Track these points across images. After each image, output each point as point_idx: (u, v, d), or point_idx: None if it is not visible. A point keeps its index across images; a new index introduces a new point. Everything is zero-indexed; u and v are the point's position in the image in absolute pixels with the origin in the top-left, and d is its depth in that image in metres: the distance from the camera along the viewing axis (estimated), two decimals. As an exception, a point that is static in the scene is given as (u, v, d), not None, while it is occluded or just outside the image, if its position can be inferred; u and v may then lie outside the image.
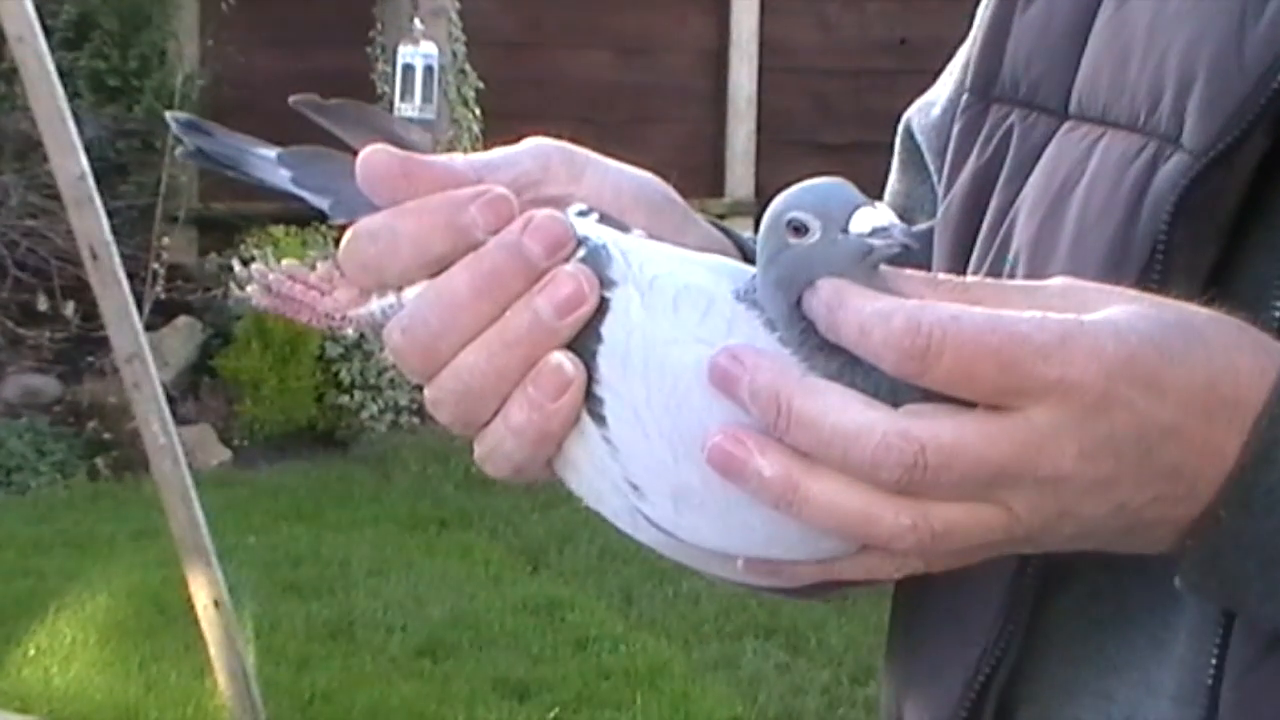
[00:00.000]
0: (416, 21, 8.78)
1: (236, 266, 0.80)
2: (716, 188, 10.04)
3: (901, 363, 0.65)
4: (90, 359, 8.37)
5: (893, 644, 0.90)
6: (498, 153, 0.79)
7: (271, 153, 0.79)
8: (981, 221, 0.90)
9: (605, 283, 0.71)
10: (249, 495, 7.53)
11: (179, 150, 0.78)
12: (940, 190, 0.97)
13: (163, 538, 4.64)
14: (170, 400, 4.42)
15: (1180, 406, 0.66)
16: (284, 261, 0.77)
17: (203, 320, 8.63)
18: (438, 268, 0.72)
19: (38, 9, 4.14)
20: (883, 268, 0.70)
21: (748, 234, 0.91)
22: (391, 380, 8.56)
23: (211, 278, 8.75)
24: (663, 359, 0.70)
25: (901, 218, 1.03)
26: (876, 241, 0.69)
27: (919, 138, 1.02)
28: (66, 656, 5.57)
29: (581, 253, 0.72)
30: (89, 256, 4.15)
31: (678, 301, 0.71)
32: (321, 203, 0.77)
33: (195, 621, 4.25)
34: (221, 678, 4.24)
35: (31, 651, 5.61)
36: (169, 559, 4.60)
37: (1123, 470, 0.66)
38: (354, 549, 6.78)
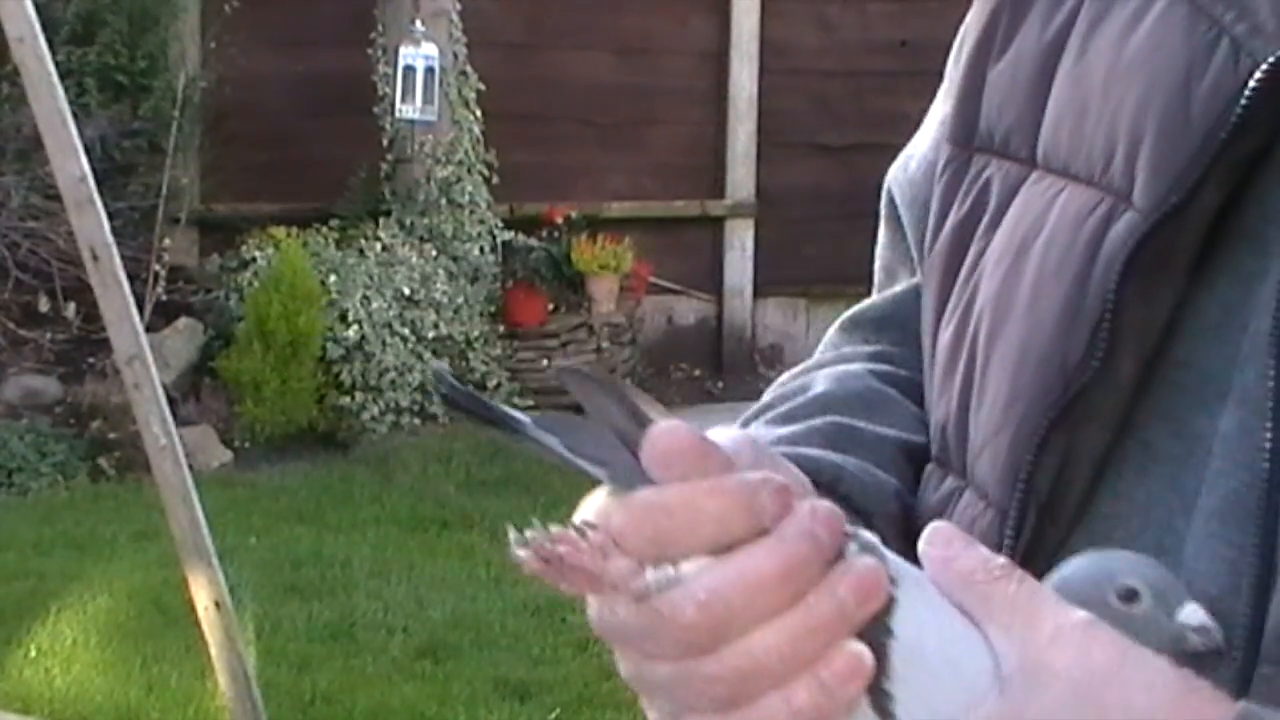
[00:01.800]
0: (418, 23, 8.78)
1: (512, 534, 0.79)
2: (717, 189, 10.05)
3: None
4: (91, 360, 8.37)
5: None
6: (720, 438, 0.80)
7: (524, 417, 0.79)
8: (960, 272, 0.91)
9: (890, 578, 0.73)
10: (250, 496, 7.53)
11: (440, 407, 0.80)
12: (915, 243, 0.98)
13: (164, 539, 4.64)
14: (171, 401, 4.42)
15: None
16: (553, 529, 0.76)
17: (204, 321, 8.63)
18: (721, 548, 0.72)
19: (42, 7, 4.14)
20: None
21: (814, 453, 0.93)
22: (392, 382, 8.56)
23: (213, 279, 8.76)
24: (958, 659, 0.71)
25: (886, 276, 1.04)
26: (1196, 638, 0.71)
27: (895, 193, 1.02)
28: (67, 658, 5.57)
29: (854, 545, 0.73)
30: (90, 258, 4.15)
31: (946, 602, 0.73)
32: (598, 472, 0.76)
33: (196, 623, 4.25)
34: (222, 679, 4.24)
35: (32, 652, 5.61)
36: (170, 560, 4.60)
37: None
38: (355, 550, 6.78)
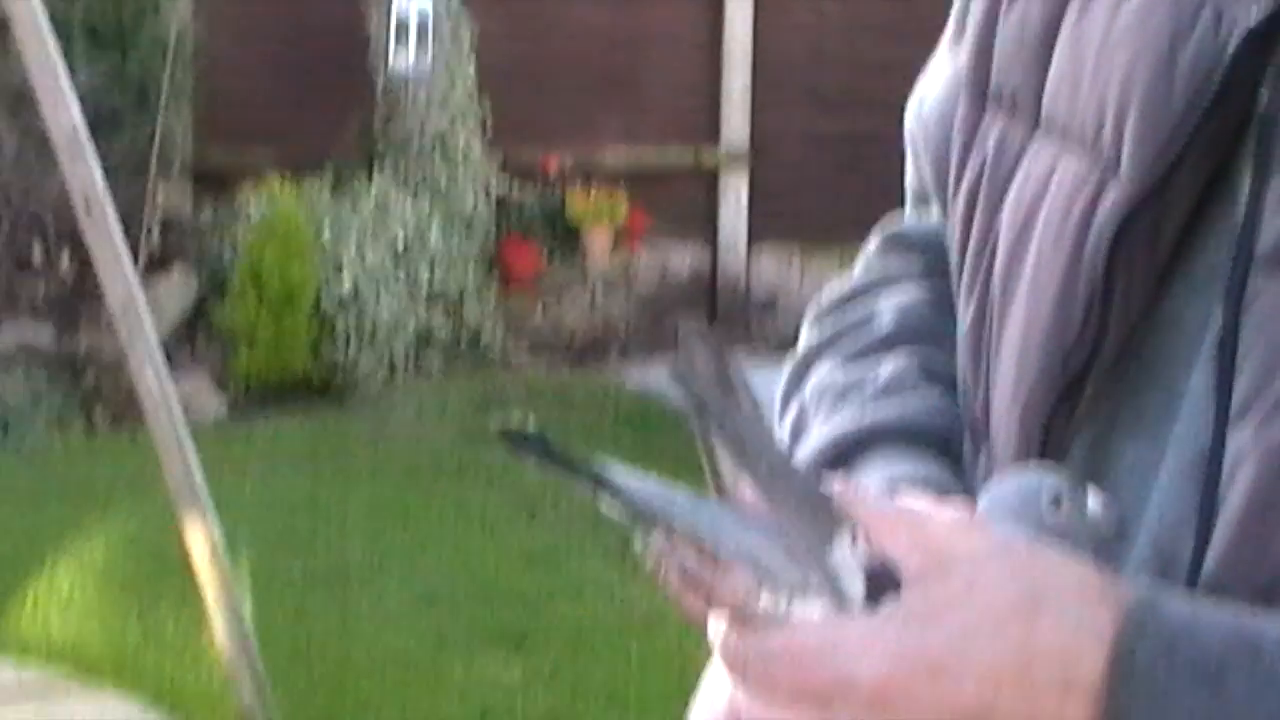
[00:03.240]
0: None
1: (639, 547, 0.77)
2: (712, 135, 10.02)
3: (731, 676, 0.74)
4: (86, 310, 8.36)
5: None
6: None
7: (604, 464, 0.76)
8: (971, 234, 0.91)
9: None
10: (245, 446, 7.54)
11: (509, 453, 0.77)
12: (937, 186, 0.97)
13: (159, 487, 4.65)
14: (165, 351, 4.41)
15: (985, 690, 0.67)
16: (680, 542, 0.75)
17: (198, 272, 8.62)
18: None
19: None
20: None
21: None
22: (387, 333, 8.56)
23: (206, 229, 8.74)
24: None
25: (919, 200, 1.04)
26: (1108, 524, 0.76)
27: (914, 132, 1.03)
28: (64, 606, 5.59)
29: None
30: (83, 208, 4.14)
31: None
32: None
33: (192, 571, 4.27)
34: (218, 626, 4.26)
35: (30, 601, 5.63)
36: (165, 508, 4.62)
37: None
38: (350, 500, 6.79)
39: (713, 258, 10.19)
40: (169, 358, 4.40)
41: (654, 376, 8.98)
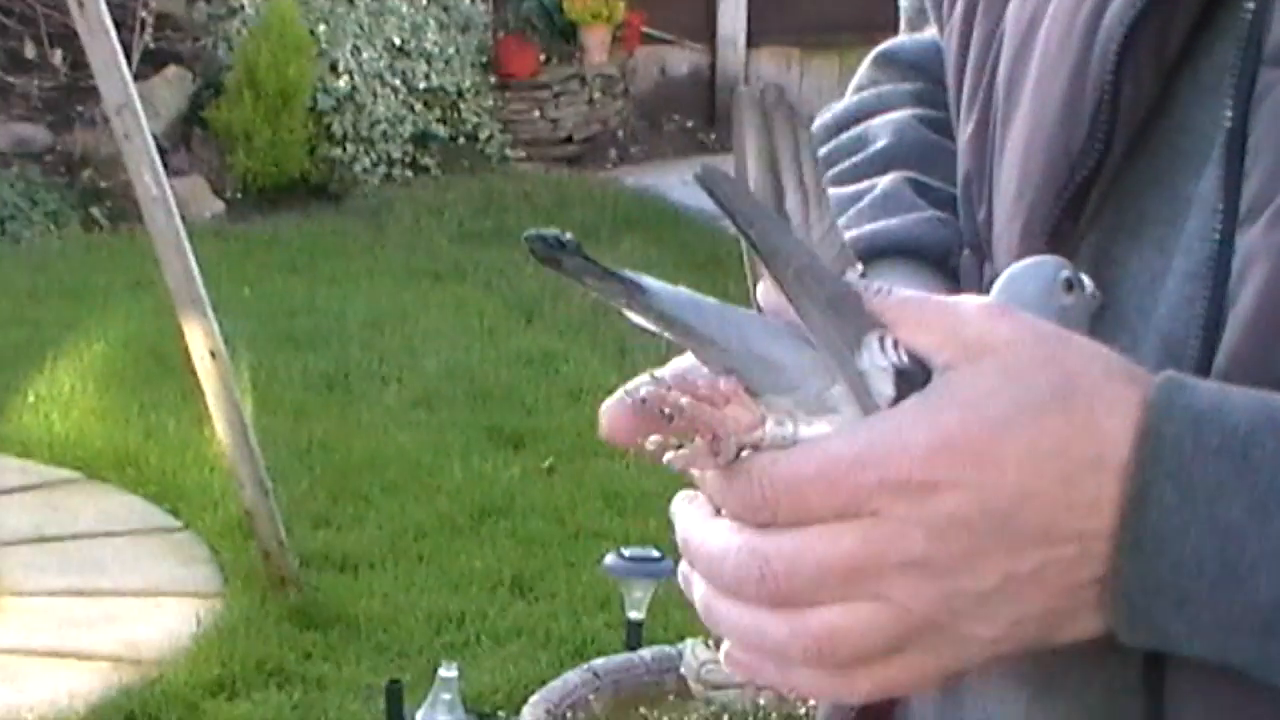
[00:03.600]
0: None
1: (623, 391, 0.76)
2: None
3: (756, 516, 0.69)
4: (80, 108, 8.30)
5: None
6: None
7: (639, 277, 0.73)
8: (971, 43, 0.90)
9: None
10: (243, 247, 7.54)
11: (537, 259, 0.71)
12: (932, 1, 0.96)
13: (158, 288, 4.66)
14: (161, 151, 4.40)
15: (1026, 473, 0.66)
16: (668, 371, 0.74)
17: (193, 70, 8.54)
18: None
19: None
20: (864, 285, 0.73)
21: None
22: (384, 133, 8.51)
23: (201, 27, 8.64)
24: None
25: (916, 14, 1.02)
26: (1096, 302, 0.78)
27: None
28: (66, 404, 5.63)
29: None
30: (76, 3, 4.09)
31: None
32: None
33: (192, 371, 4.29)
34: (219, 426, 4.30)
35: (31, 398, 5.68)
36: (165, 309, 4.63)
37: (983, 542, 0.67)
38: (349, 301, 6.81)
39: (711, 58, 10.10)
40: (165, 158, 4.38)
41: (651, 176, 8.95)
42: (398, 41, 8.64)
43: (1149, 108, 0.78)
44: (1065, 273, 0.76)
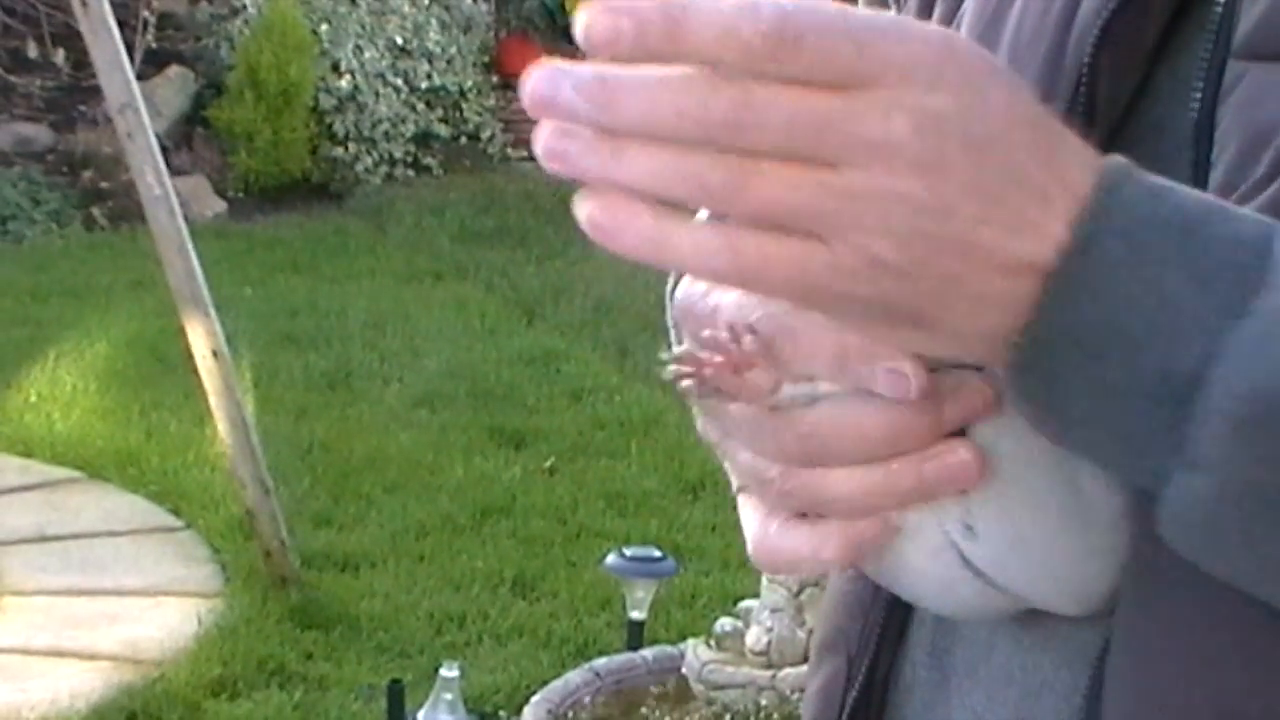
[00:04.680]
0: None
1: (662, 356, 0.76)
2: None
3: (772, 51, 0.64)
4: (83, 108, 8.30)
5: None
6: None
7: None
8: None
9: None
10: (245, 247, 7.55)
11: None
12: None
13: (160, 288, 4.66)
14: (164, 151, 4.39)
15: (1003, 119, 0.65)
16: (702, 339, 0.73)
17: (195, 70, 8.54)
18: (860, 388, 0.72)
19: None
20: None
21: None
22: (386, 133, 8.51)
23: (203, 27, 8.64)
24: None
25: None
26: None
27: None
28: (67, 403, 5.64)
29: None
30: (79, 3, 4.09)
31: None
32: None
33: (194, 370, 4.29)
34: (221, 426, 4.30)
35: (33, 398, 5.68)
36: (167, 309, 4.63)
37: (950, 158, 0.64)
38: (350, 301, 6.82)
39: (714, 59, 10.12)
40: (167, 157, 4.38)
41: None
42: (400, 41, 8.64)
43: (1126, 103, 0.77)
44: None
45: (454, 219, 8.03)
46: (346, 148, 8.37)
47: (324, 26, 8.35)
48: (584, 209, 0.68)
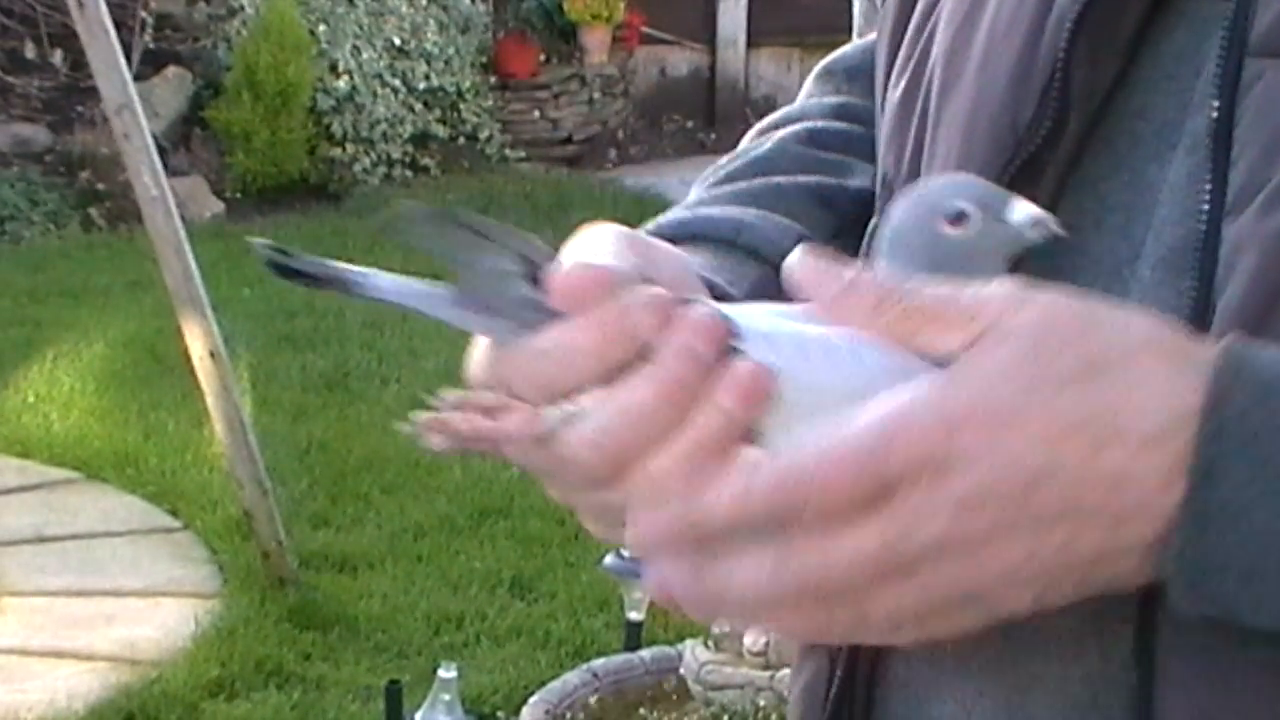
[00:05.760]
0: None
1: (407, 429, 0.78)
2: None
3: (786, 517, 0.67)
4: (80, 109, 8.30)
5: None
6: (600, 245, 0.80)
7: (369, 272, 0.79)
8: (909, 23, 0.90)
9: (734, 340, 0.73)
10: (242, 247, 7.51)
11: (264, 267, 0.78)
12: None
13: (157, 288, 4.66)
14: (161, 151, 4.40)
15: (1046, 448, 0.65)
16: (448, 397, 0.77)
17: (192, 71, 8.54)
18: (612, 375, 0.72)
19: None
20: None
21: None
22: (384, 134, 8.51)
23: (200, 27, 8.64)
24: (814, 402, 0.71)
25: (865, 22, 1.02)
26: (1033, 233, 0.73)
27: None
28: (65, 404, 5.63)
29: (739, 341, 0.73)
30: (75, 4, 4.09)
31: (801, 349, 0.72)
32: (435, 303, 0.79)
33: (192, 371, 4.29)
34: (219, 426, 4.30)
35: (31, 398, 5.68)
36: (164, 310, 4.63)
37: (1005, 519, 0.66)
38: (348, 302, 6.74)
39: (711, 58, 10.11)
40: (165, 158, 4.38)
41: (651, 176, 8.95)
42: (397, 42, 8.64)
43: (1106, 91, 0.77)
44: (957, 203, 0.73)
45: (452, 219, 8.00)
46: (344, 148, 8.37)
47: (321, 27, 8.35)
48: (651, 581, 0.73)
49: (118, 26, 4.24)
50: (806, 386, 0.71)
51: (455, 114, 8.94)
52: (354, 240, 7.70)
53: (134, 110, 4.13)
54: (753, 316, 0.74)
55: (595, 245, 0.80)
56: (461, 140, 8.94)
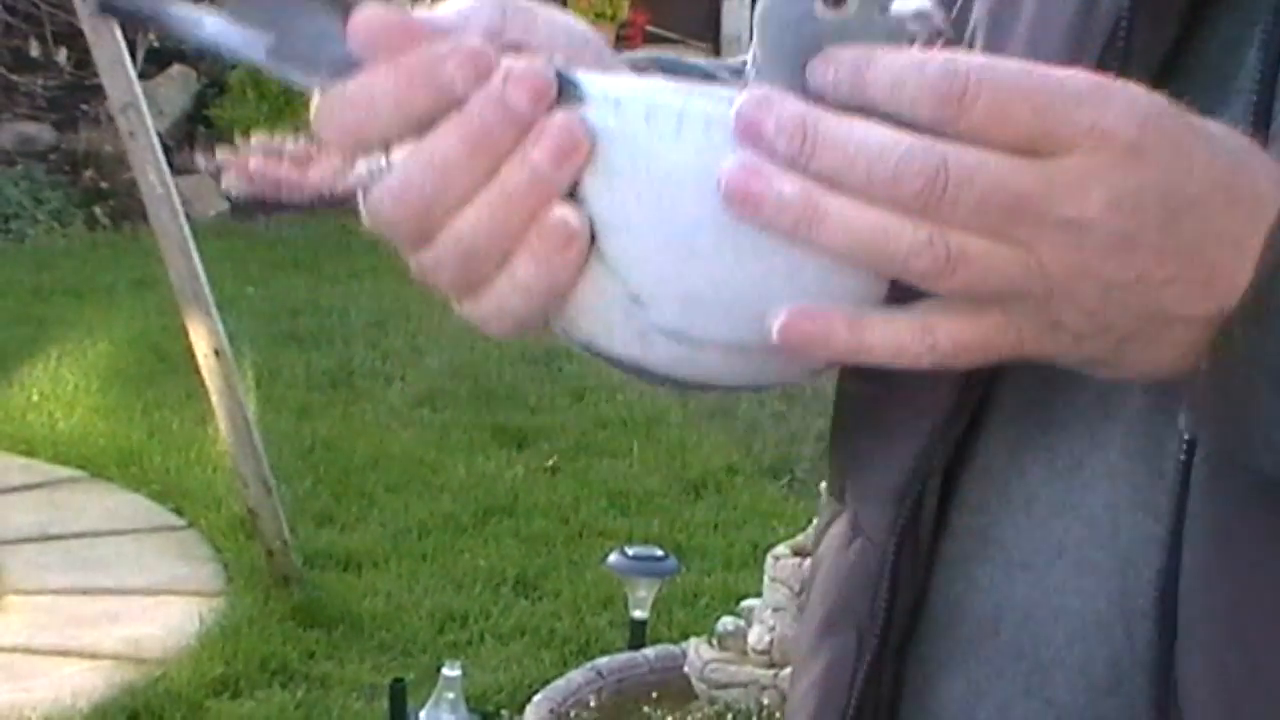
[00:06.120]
0: None
1: (202, 162, 0.75)
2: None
3: (938, 108, 0.64)
4: (85, 107, 8.30)
5: (841, 417, 0.89)
6: (460, 5, 0.75)
7: (209, 15, 0.74)
8: None
9: (576, 102, 0.69)
10: (247, 246, 7.55)
11: (87, 7, 0.80)
12: None
13: (162, 287, 4.66)
14: (166, 150, 4.39)
15: (1203, 180, 0.65)
16: (253, 141, 0.74)
17: (197, 69, 8.54)
18: (422, 127, 0.70)
19: None
20: None
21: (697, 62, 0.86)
22: (388, 131, 8.48)
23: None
24: (648, 168, 0.68)
25: None
26: (915, 25, 0.68)
27: None
28: (69, 402, 5.64)
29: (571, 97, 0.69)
30: (81, 1, 4.09)
31: (650, 116, 0.69)
32: (306, 79, 0.73)
33: (196, 369, 4.29)
34: (223, 425, 4.30)
35: (35, 397, 5.68)
36: (168, 308, 4.63)
37: (1145, 230, 0.64)
38: (352, 300, 6.81)
39: (716, 57, 10.13)
40: (169, 156, 4.38)
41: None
42: None
43: (1164, 55, 0.76)
44: None
45: (456, 218, 7.99)
46: None
47: None
48: (776, 323, 0.67)
49: (122, 24, 4.24)
50: (635, 148, 0.68)
51: (460, 112, 8.94)
52: (358, 238, 7.65)
53: (139, 108, 4.13)
54: (620, 82, 0.71)
55: (461, 2, 0.75)
56: None
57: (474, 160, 0.69)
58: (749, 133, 0.66)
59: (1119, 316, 0.66)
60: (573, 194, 0.69)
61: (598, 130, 0.69)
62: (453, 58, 0.69)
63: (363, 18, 0.70)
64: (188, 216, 4.34)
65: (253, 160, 0.73)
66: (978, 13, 0.84)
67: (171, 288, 4.26)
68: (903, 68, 0.64)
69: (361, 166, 0.71)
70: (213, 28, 0.73)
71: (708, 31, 10.06)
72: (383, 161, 0.71)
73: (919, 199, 0.64)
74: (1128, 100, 0.65)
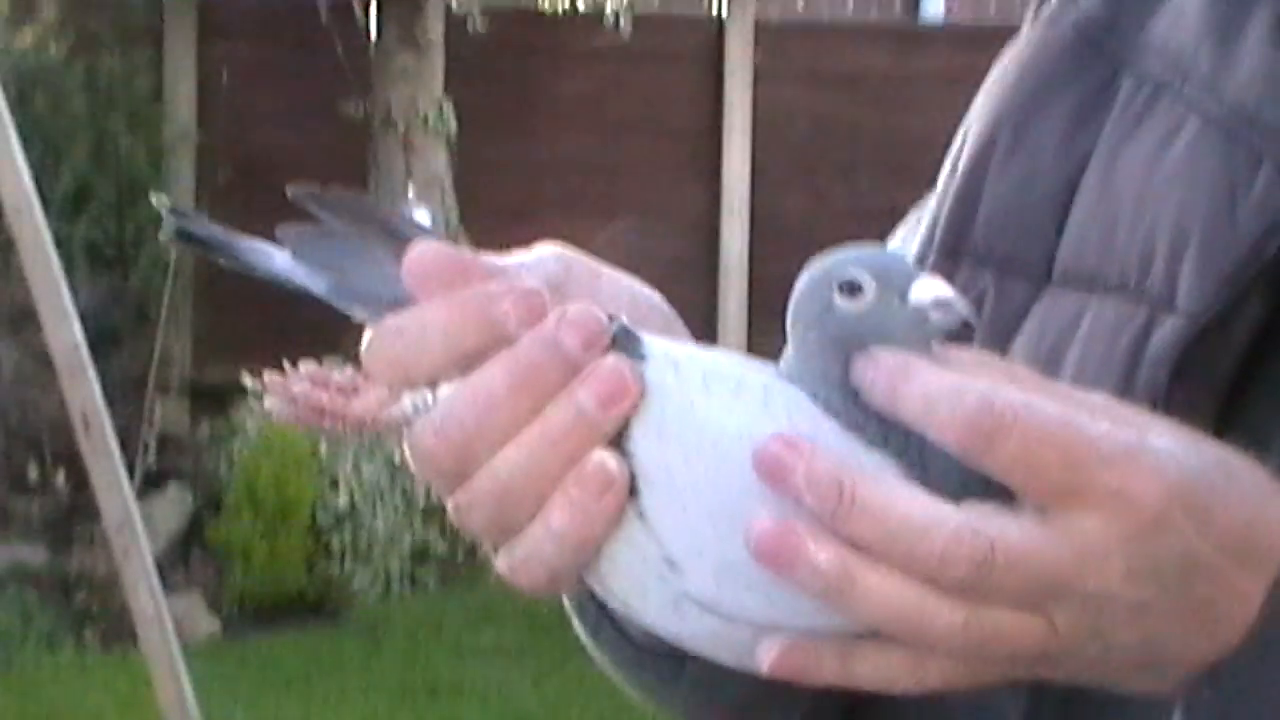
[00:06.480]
0: (410, 190, 8.45)
1: (249, 382, 0.77)
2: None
3: (968, 438, 0.63)
4: (79, 528, 7.82)
5: None
6: (524, 255, 0.76)
7: (277, 250, 0.74)
8: None
9: (638, 360, 0.69)
10: (238, 665, 7.32)
11: (162, 234, 0.77)
12: None
13: (150, 710, 4.44)
14: (160, 570, 4.35)
15: (1221, 544, 0.65)
16: (302, 367, 0.73)
17: (193, 489, 8.43)
18: (470, 363, 0.69)
19: (36, 180, 4.12)
20: (933, 343, 0.68)
21: None
22: (383, 549, 8.23)
23: (203, 446, 8.50)
24: (700, 430, 0.67)
25: None
26: (938, 314, 0.67)
27: None
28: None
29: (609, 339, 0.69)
30: (81, 426, 4.07)
31: (707, 380, 0.68)
32: (366, 311, 0.73)
33: (182, 795, 4.25)
34: None
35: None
36: (156, 731, 4.60)
37: (1162, 599, 0.65)
38: (343, 719, 6.70)
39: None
40: (163, 576, 4.33)
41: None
42: (398, 458, 7.96)
43: (1209, 424, 0.74)
44: (850, 273, 0.68)
45: (450, 634, 7.85)
46: (343, 565, 8.18)
47: (322, 442, 8.29)
48: (767, 656, 0.66)
49: (121, 447, 4.27)
50: (689, 408, 0.67)
51: (455, 528, 7.63)
52: (350, 657, 7.44)
53: (134, 528, 4.10)
54: (684, 347, 0.71)
55: (525, 255, 0.75)
56: (461, 555, 8.37)
57: (518, 398, 0.67)
58: (773, 473, 0.64)
59: (1117, 664, 0.66)
60: (620, 447, 0.67)
61: (653, 385, 0.68)
62: (507, 296, 0.68)
63: (417, 254, 0.70)
64: (178, 636, 4.24)
65: (298, 385, 0.72)
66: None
67: (159, 712, 4.13)
68: (939, 390, 0.64)
69: (406, 400, 0.70)
70: (282, 263, 0.73)
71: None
72: (428, 397, 0.69)
73: (964, 584, 0.63)
74: (1155, 469, 0.64)
